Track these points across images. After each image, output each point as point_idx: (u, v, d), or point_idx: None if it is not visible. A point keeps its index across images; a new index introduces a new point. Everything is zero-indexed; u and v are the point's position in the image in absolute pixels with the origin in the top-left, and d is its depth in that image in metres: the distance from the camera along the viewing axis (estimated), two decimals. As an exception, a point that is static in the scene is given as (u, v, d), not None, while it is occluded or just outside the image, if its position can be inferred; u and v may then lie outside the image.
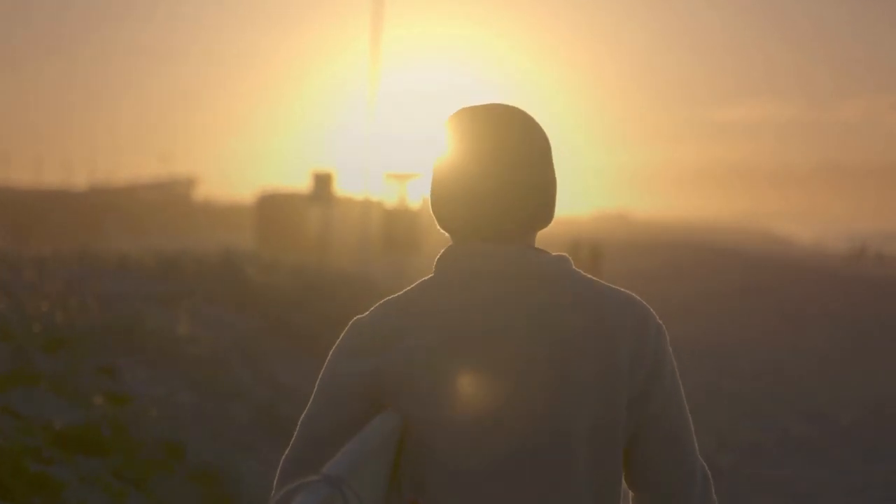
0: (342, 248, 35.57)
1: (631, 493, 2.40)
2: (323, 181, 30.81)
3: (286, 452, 2.32)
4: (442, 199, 2.36)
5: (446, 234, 2.39)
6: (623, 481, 2.34)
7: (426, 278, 2.36)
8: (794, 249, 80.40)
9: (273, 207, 38.13)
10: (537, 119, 2.39)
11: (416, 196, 42.18)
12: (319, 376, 2.34)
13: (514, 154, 2.33)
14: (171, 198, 68.00)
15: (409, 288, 2.36)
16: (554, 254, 2.36)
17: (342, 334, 2.35)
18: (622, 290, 2.37)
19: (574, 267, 2.37)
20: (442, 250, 2.37)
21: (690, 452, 2.35)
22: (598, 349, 2.27)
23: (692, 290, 33.53)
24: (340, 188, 39.69)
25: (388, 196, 42.06)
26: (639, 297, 2.38)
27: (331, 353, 2.35)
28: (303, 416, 2.32)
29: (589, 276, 2.38)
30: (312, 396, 2.32)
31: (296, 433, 2.32)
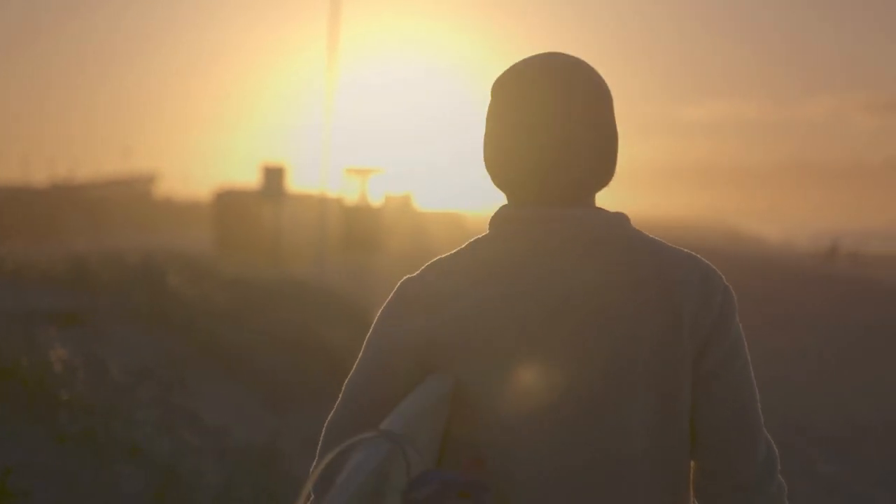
0: (297, 247, 34.72)
1: (692, 462, 2.31)
2: (274, 175, 29.32)
3: (330, 416, 2.29)
4: (497, 157, 2.31)
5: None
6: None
7: (479, 237, 2.34)
8: (761, 248, 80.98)
9: (229, 205, 36.96)
10: None
11: (378, 193, 41.60)
12: (367, 337, 2.32)
13: (573, 108, 2.26)
14: (133, 195, 67.68)
15: (460, 247, 2.34)
16: (612, 212, 2.30)
17: (391, 294, 2.33)
18: (686, 250, 2.32)
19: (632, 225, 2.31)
20: (498, 208, 2.33)
21: (753, 421, 2.27)
22: (662, 305, 2.22)
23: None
24: (297, 184, 39.20)
25: (348, 192, 41.16)
26: (704, 259, 2.32)
27: (379, 313, 2.33)
28: (348, 378, 2.30)
29: (650, 235, 2.32)
30: (359, 358, 2.29)
31: (341, 396, 2.29)
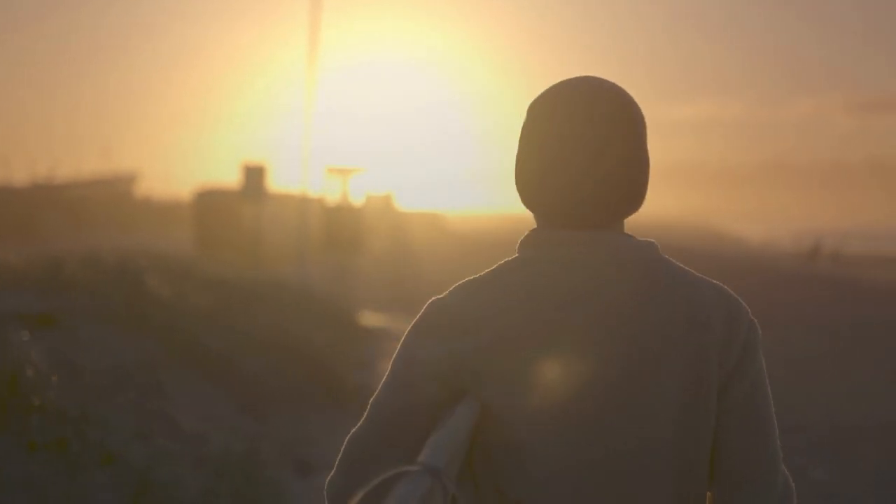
0: (277, 247, 34.52)
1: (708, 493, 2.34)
2: (254, 175, 29.02)
3: (353, 432, 2.31)
4: (531, 180, 2.31)
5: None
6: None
7: (508, 260, 2.35)
8: (743, 248, 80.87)
9: (209, 205, 36.74)
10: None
11: (360, 192, 41.44)
12: (393, 357, 2.33)
13: (607, 136, 2.27)
14: (113, 195, 67.19)
15: (490, 269, 2.34)
16: (642, 239, 2.33)
17: (419, 314, 2.34)
18: (714, 281, 2.35)
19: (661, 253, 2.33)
20: (527, 232, 2.35)
21: (773, 454, 2.31)
22: (689, 339, 2.25)
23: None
24: (277, 183, 39.02)
25: (330, 192, 40.88)
26: (731, 291, 2.34)
27: (406, 333, 2.33)
28: (374, 397, 2.31)
29: (678, 263, 2.34)
30: (385, 378, 2.32)
31: (366, 414, 2.30)
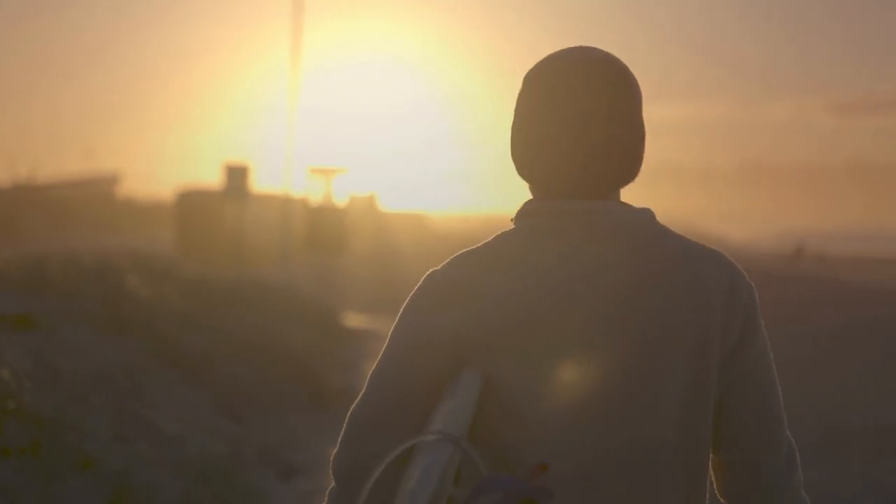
0: (260, 248, 34.40)
1: (711, 455, 2.35)
2: (237, 175, 28.87)
3: (354, 406, 2.31)
4: (527, 149, 2.31)
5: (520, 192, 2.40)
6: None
7: (505, 231, 2.34)
8: (726, 248, 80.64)
9: (192, 205, 36.55)
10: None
11: (343, 193, 41.35)
12: (391, 329, 2.32)
13: (602, 105, 2.27)
14: (95, 195, 67.00)
15: (486, 241, 2.34)
16: (638, 207, 2.31)
17: (417, 287, 2.34)
18: (711, 247, 2.34)
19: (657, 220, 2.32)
20: (523, 203, 2.34)
21: (778, 418, 2.33)
22: (692, 306, 2.25)
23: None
24: (260, 184, 38.94)
25: (313, 192, 40.80)
26: (727, 256, 2.34)
27: (404, 306, 2.32)
28: (373, 370, 2.31)
29: (674, 231, 2.33)
30: (384, 350, 2.31)
31: (366, 387, 2.31)
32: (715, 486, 2.40)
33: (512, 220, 2.37)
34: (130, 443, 7.80)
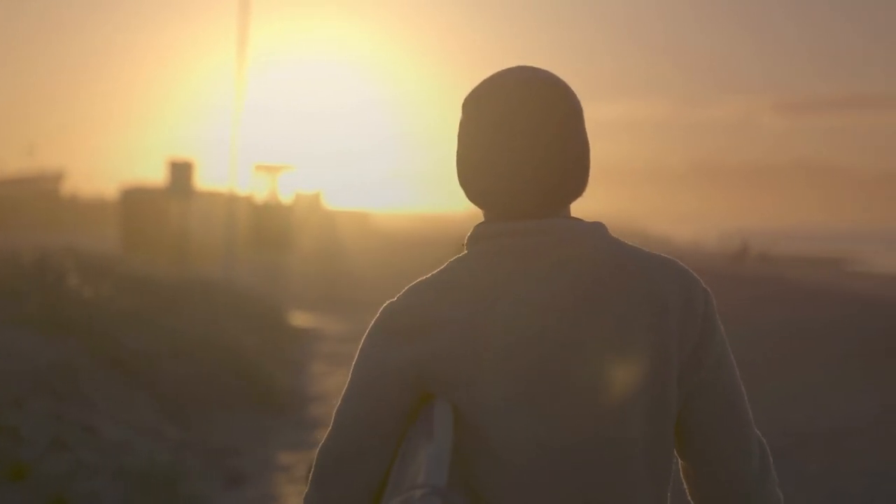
0: (205, 246, 34.11)
1: (681, 464, 2.36)
2: (181, 171, 28.45)
3: (322, 444, 2.31)
4: (471, 173, 2.31)
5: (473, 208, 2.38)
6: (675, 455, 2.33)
7: (458, 257, 2.33)
8: (671, 249, 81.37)
9: (136, 203, 36.30)
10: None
11: (288, 190, 41.16)
12: (353, 365, 2.32)
13: (546, 123, 2.27)
14: (39, 193, 66.77)
15: (440, 268, 2.33)
16: (589, 222, 2.31)
17: (374, 320, 2.32)
18: (665, 255, 2.34)
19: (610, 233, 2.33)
20: (472, 228, 2.34)
21: (746, 422, 2.30)
22: (650, 319, 2.24)
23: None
24: (205, 181, 38.69)
25: (258, 190, 40.53)
26: (681, 263, 2.34)
27: (363, 339, 2.33)
28: (338, 406, 2.31)
29: (627, 242, 2.34)
30: (347, 386, 2.31)
31: (332, 425, 2.30)
32: (689, 496, 2.39)
33: (464, 244, 2.36)
34: (69, 449, 7.49)
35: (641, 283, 2.27)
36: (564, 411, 2.22)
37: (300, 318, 21.68)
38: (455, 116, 2.38)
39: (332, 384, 14.10)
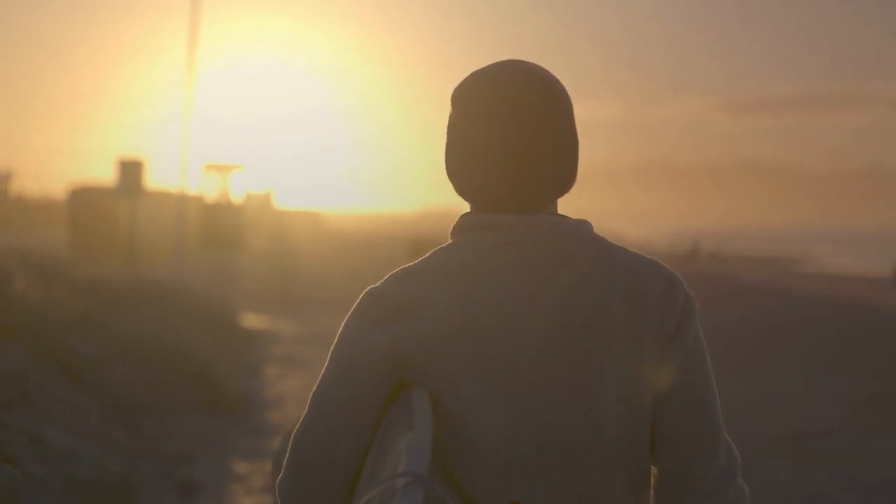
0: (155, 246, 33.97)
1: (652, 468, 2.35)
2: (131, 170, 27.99)
3: (297, 427, 2.30)
4: (460, 166, 2.34)
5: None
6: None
7: (443, 246, 2.35)
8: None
9: (84, 203, 35.87)
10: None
11: (239, 189, 40.94)
12: (332, 348, 2.32)
13: (533, 118, 2.29)
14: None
15: (425, 256, 2.35)
16: (575, 219, 2.35)
17: (355, 305, 2.34)
18: (647, 256, 2.36)
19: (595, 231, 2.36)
20: (458, 218, 2.36)
21: (715, 424, 2.30)
22: (629, 316, 2.27)
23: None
24: (155, 181, 38.43)
25: (208, 189, 40.31)
26: (665, 264, 2.36)
27: (343, 324, 2.34)
28: (314, 390, 2.31)
29: (612, 242, 2.36)
30: (325, 369, 2.31)
31: (308, 408, 2.30)
32: (653, 497, 2.38)
33: (450, 233, 2.38)
34: (14, 461, 7.18)
35: (623, 279, 2.29)
36: (540, 400, 2.24)
37: (253, 320, 21.38)
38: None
39: (287, 388, 13.84)
